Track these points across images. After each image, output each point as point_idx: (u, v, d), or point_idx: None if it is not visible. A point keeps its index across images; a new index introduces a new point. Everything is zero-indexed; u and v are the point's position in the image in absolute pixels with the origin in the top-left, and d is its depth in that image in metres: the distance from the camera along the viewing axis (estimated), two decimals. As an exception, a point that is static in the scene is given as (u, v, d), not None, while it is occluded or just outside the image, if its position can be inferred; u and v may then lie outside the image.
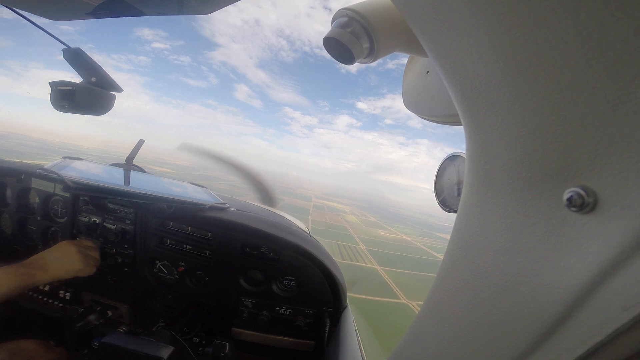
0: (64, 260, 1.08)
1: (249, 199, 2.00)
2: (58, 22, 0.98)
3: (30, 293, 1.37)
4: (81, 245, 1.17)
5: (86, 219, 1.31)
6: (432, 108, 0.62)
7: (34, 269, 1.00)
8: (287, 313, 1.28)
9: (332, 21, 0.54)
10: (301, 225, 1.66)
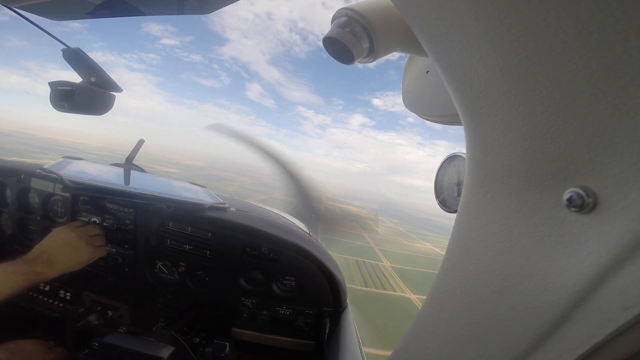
0: (67, 252, 1.04)
1: (252, 200, 1.95)
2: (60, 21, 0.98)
3: (31, 293, 1.37)
4: (80, 230, 1.13)
5: (86, 219, 1.31)
6: (432, 108, 0.62)
7: (39, 267, 0.96)
8: (287, 313, 1.27)
9: (332, 21, 0.54)
10: (301, 225, 1.66)
